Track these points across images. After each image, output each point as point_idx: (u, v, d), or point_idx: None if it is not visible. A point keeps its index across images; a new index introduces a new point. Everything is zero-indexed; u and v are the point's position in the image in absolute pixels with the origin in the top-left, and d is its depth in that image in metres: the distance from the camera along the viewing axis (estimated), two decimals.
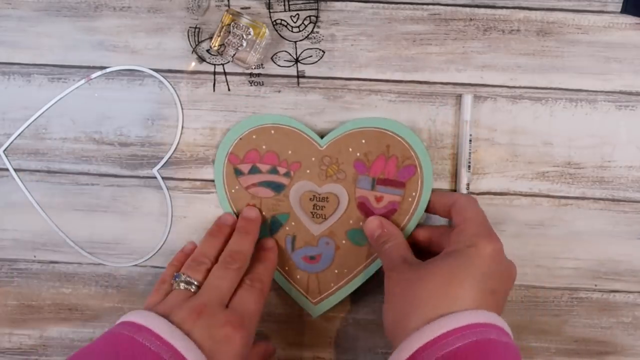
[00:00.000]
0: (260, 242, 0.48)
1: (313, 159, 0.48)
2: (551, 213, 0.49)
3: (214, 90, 0.49)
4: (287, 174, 0.48)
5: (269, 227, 0.49)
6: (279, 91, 0.49)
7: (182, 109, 0.49)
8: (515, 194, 0.49)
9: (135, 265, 0.50)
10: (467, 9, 0.48)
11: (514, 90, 0.48)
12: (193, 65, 0.49)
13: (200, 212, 0.49)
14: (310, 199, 0.48)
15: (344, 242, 0.48)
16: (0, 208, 0.50)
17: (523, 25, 0.48)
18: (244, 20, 0.46)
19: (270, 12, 0.48)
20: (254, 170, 0.48)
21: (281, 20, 0.48)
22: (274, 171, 0.48)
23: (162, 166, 0.49)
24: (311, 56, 0.48)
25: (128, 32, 0.48)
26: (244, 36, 0.46)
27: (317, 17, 0.48)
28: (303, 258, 0.49)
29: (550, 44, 0.48)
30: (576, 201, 0.49)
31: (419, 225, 0.47)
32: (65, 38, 0.49)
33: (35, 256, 0.51)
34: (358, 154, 0.48)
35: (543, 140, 0.48)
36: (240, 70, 0.48)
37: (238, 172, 0.48)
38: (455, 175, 0.48)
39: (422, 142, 0.48)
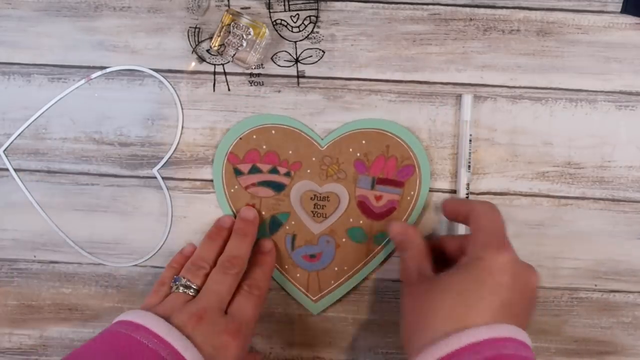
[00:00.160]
0: (258, 244, 0.48)
1: (313, 158, 0.48)
2: (551, 213, 0.49)
3: (214, 90, 0.49)
4: (287, 174, 0.48)
5: (269, 226, 0.49)
6: (279, 91, 0.49)
7: (182, 109, 0.49)
8: (515, 194, 0.49)
9: (135, 265, 0.50)
10: (467, 9, 0.48)
11: (514, 90, 0.48)
12: (193, 65, 0.49)
13: (200, 212, 0.49)
14: (311, 198, 0.48)
15: (344, 240, 0.48)
16: (0, 208, 0.50)
17: (523, 25, 0.48)
18: (244, 20, 0.46)
19: (270, 12, 0.48)
20: (254, 170, 0.48)
21: (281, 20, 0.48)
22: (274, 171, 0.48)
23: (162, 166, 0.49)
24: (311, 56, 0.48)
25: (128, 32, 0.48)
26: (244, 36, 0.46)
27: (317, 17, 0.48)
28: (303, 257, 0.49)
29: (550, 44, 0.48)
30: (576, 201, 0.49)
31: (448, 235, 0.47)
32: (65, 38, 0.49)
33: (35, 256, 0.50)
34: (358, 154, 0.48)
35: (543, 140, 0.48)
36: (240, 70, 0.48)
37: (237, 172, 0.48)
38: (455, 175, 0.48)
39: (421, 142, 0.48)
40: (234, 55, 0.46)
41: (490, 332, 0.36)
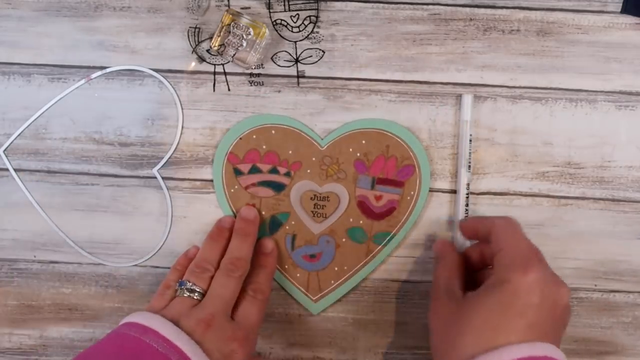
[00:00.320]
0: (259, 244, 0.48)
1: (313, 158, 0.48)
2: (551, 213, 0.49)
3: (214, 90, 0.49)
4: (287, 174, 0.48)
5: (269, 226, 0.49)
6: (279, 91, 0.49)
7: (182, 109, 0.49)
8: (515, 194, 0.49)
9: (135, 265, 0.50)
10: (467, 9, 0.48)
11: (514, 90, 0.48)
12: (193, 65, 0.49)
13: (200, 212, 0.49)
14: (311, 198, 0.48)
15: (344, 240, 0.48)
16: (0, 208, 0.50)
17: (523, 25, 0.48)
18: (244, 20, 0.46)
19: (270, 12, 0.48)
20: (254, 170, 0.48)
21: (281, 20, 0.48)
22: (274, 171, 0.48)
23: (162, 166, 0.49)
24: (311, 56, 0.48)
25: (128, 32, 0.49)
26: (244, 36, 0.46)
27: (317, 17, 0.48)
28: (303, 257, 0.49)
29: (550, 44, 0.48)
30: (576, 201, 0.49)
31: (471, 246, 0.46)
32: (65, 38, 0.49)
33: (35, 256, 0.50)
34: (358, 154, 0.48)
35: (543, 140, 0.48)
36: (240, 70, 0.48)
37: (237, 172, 0.48)
38: (455, 175, 0.48)
39: (421, 142, 0.48)
40: (234, 55, 0.46)
41: (525, 350, 0.36)
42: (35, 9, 0.49)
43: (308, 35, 0.48)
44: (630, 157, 0.48)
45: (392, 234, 0.48)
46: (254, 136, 0.48)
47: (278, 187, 0.48)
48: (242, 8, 0.48)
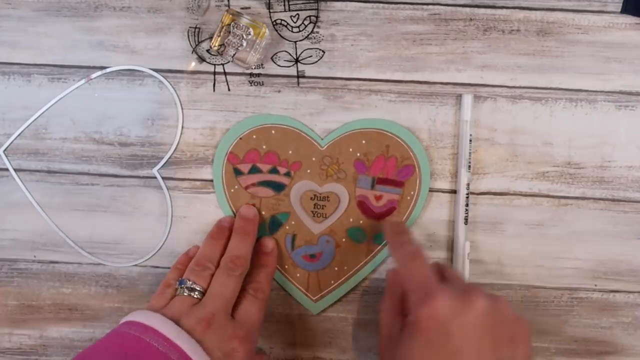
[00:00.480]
0: (260, 243, 0.48)
1: (313, 158, 0.48)
2: (551, 213, 0.49)
3: (214, 90, 0.49)
4: (287, 174, 0.48)
5: (269, 226, 0.49)
6: (279, 91, 0.49)
7: (182, 109, 0.49)
8: (515, 194, 0.49)
9: (135, 265, 0.50)
10: (467, 9, 0.48)
11: (514, 90, 0.48)
12: (193, 65, 0.49)
13: (200, 212, 0.49)
14: (311, 198, 0.48)
15: (344, 240, 0.48)
16: (0, 208, 0.50)
17: (523, 25, 0.48)
18: (244, 20, 0.46)
19: (270, 12, 0.48)
20: (254, 170, 0.48)
21: (281, 20, 0.48)
22: (274, 171, 0.48)
23: (162, 166, 0.49)
24: (311, 56, 0.48)
25: (128, 32, 0.48)
26: (244, 36, 0.46)
27: (317, 17, 0.48)
28: (303, 257, 0.49)
29: (550, 44, 0.48)
30: (576, 201, 0.49)
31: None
32: (65, 38, 0.49)
33: (35, 256, 0.50)
34: (358, 154, 0.48)
35: (543, 140, 0.48)
36: (240, 70, 0.48)
37: (237, 172, 0.48)
38: (455, 175, 0.48)
39: (421, 142, 0.48)
40: (234, 55, 0.46)
41: None
42: (35, 9, 0.49)
43: (308, 35, 0.48)
44: (630, 157, 0.48)
45: None
46: (254, 136, 0.48)
47: (278, 187, 0.48)
48: (242, 8, 0.48)
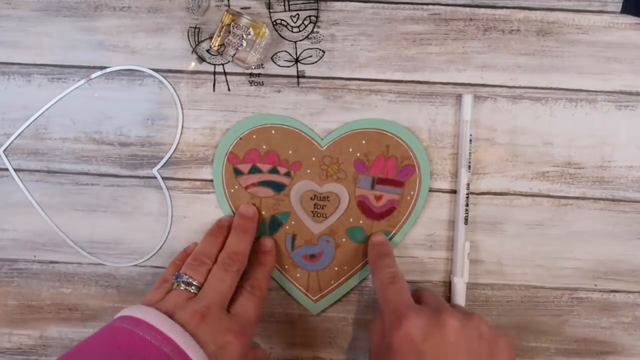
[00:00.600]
0: (258, 242, 0.48)
1: (313, 158, 0.48)
2: (551, 213, 0.49)
3: (214, 90, 0.49)
4: (287, 174, 0.48)
5: (269, 226, 0.49)
6: (279, 91, 0.49)
7: (182, 109, 0.49)
8: (515, 194, 0.49)
9: (135, 265, 0.50)
10: (467, 9, 0.48)
11: (514, 90, 0.48)
12: (193, 65, 0.49)
13: (200, 212, 0.49)
14: (311, 198, 0.48)
15: (344, 240, 0.48)
16: (0, 208, 0.50)
17: (523, 25, 0.48)
18: (244, 20, 0.46)
19: (270, 12, 0.48)
20: (254, 170, 0.48)
21: (281, 20, 0.48)
22: (274, 171, 0.48)
23: (162, 166, 0.49)
24: (311, 56, 0.48)
25: (128, 32, 0.49)
26: (244, 36, 0.46)
27: (317, 17, 0.48)
28: (303, 257, 0.49)
29: (550, 44, 0.48)
30: (576, 201, 0.49)
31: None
32: (65, 38, 0.49)
33: (35, 256, 0.50)
34: (358, 154, 0.48)
35: (543, 140, 0.48)
36: (240, 70, 0.48)
37: (237, 172, 0.48)
38: (455, 175, 0.48)
39: (421, 142, 0.48)
40: (234, 55, 0.46)
41: None
42: (35, 9, 0.49)
43: (308, 35, 0.48)
44: (630, 157, 0.48)
45: (392, 233, 0.48)
46: (254, 136, 0.48)
47: (278, 187, 0.48)
48: (242, 8, 0.48)
